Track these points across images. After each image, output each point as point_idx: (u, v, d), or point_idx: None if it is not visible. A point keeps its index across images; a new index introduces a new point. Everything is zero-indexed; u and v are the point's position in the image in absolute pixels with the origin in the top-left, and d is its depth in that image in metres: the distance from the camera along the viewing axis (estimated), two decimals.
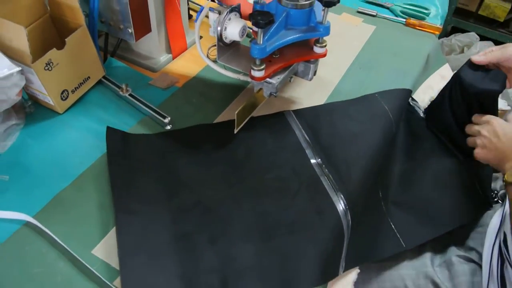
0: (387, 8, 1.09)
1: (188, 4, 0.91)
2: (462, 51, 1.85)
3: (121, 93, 0.75)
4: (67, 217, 0.58)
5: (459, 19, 2.08)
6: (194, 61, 0.87)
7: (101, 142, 0.67)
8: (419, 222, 0.69)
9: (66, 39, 0.67)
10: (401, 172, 0.75)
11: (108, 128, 0.68)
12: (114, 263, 0.53)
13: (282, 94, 0.79)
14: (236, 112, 0.64)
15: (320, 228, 0.59)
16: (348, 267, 0.60)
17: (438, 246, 0.74)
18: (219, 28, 0.62)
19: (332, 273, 0.58)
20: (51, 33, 0.74)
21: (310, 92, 0.80)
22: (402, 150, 0.78)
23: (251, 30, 0.71)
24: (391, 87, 0.82)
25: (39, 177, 0.63)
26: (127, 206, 0.58)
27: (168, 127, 0.71)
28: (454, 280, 0.68)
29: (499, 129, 0.66)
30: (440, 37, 1.31)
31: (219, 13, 0.62)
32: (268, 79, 0.65)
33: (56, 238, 0.54)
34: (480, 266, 0.67)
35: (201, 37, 0.89)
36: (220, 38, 0.64)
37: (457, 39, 1.87)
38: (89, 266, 0.52)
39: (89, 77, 0.75)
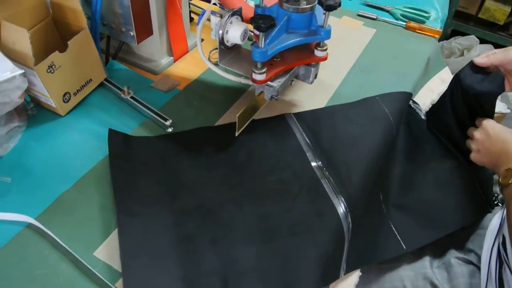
0: (387, 11, 1.10)
1: (189, 7, 0.91)
2: (462, 54, 1.86)
3: (122, 95, 0.75)
4: (69, 219, 0.58)
5: (459, 22, 2.09)
6: (195, 64, 0.88)
7: (103, 144, 0.67)
8: (420, 224, 0.69)
9: (68, 42, 0.67)
10: (401, 174, 0.75)
11: (110, 130, 0.68)
12: (116, 265, 0.53)
13: (283, 97, 0.80)
14: (237, 115, 0.65)
15: (320, 231, 0.59)
16: (349, 270, 0.60)
17: (437, 247, 0.74)
18: (220, 32, 0.63)
19: (333, 276, 0.58)
20: (54, 36, 0.74)
21: (310, 95, 0.81)
22: (403, 153, 0.78)
23: (252, 34, 0.71)
24: (392, 90, 0.82)
25: (41, 179, 0.63)
26: (129, 208, 0.58)
27: (170, 130, 0.72)
28: (453, 282, 0.68)
29: (492, 132, 0.66)
30: (440, 40, 1.32)
31: (221, 16, 0.62)
32: (269, 82, 0.65)
33: (58, 240, 0.54)
34: (479, 268, 0.67)
35: (202, 40, 0.89)
36: (221, 41, 0.64)
37: (457, 42, 1.88)
38: (91, 268, 0.52)
39: (91, 79, 0.75)
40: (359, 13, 1.07)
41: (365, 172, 0.66)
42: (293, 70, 0.69)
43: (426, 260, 0.72)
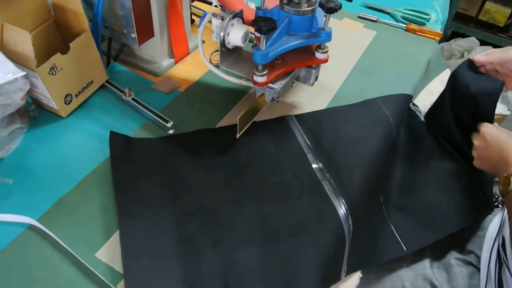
0: (388, 13, 1.10)
1: (190, 9, 0.91)
2: (462, 56, 1.86)
3: (124, 97, 0.76)
4: (71, 220, 0.58)
5: (459, 24, 2.10)
6: (197, 66, 0.88)
7: (104, 146, 0.67)
8: (420, 226, 0.70)
9: (70, 44, 0.68)
10: (402, 176, 0.75)
11: (111, 132, 0.68)
12: (118, 266, 0.54)
13: (284, 99, 0.80)
14: (238, 117, 0.65)
15: (321, 233, 0.59)
16: (350, 271, 0.61)
17: (437, 248, 0.74)
18: (222, 34, 0.63)
19: (334, 278, 0.59)
20: (55, 38, 0.75)
21: (311, 97, 0.81)
22: (403, 155, 0.78)
23: (253, 36, 0.71)
24: (392, 92, 0.82)
25: (43, 180, 0.63)
26: (130, 210, 0.59)
27: (171, 132, 0.72)
28: (452, 283, 0.68)
29: (489, 139, 0.66)
30: (440, 42, 1.32)
31: (222, 18, 0.63)
32: (270, 84, 0.66)
33: (60, 241, 0.55)
34: (478, 269, 0.68)
35: (203, 42, 0.89)
36: (222, 44, 0.65)
37: (457, 44, 1.88)
38: (92, 269, 0.52)
39: (92, 81, 0.76)
40: (360, 15, 1.07)
41: (366, 174, 0.67)
42: (294, 72, 0.69)
43: (426, 261, 0.72)
